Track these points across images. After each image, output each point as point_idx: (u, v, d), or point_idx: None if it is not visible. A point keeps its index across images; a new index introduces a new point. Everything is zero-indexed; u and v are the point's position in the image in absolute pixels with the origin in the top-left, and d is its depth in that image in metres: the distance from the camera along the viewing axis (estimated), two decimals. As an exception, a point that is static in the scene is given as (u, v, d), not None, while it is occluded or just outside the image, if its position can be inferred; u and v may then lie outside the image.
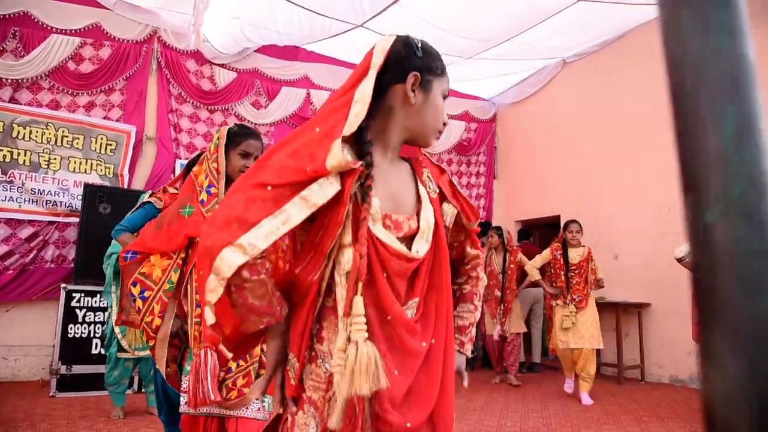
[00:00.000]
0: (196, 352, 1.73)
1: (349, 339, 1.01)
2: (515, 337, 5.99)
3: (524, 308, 6.72)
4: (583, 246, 5.20)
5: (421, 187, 1.24)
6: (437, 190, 1.28)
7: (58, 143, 5.44)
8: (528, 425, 4.14)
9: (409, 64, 1.17)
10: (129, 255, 2.01)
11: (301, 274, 1.09)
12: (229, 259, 0.96)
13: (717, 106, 0.31)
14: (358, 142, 1.11)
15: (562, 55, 7.36)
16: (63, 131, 5.46)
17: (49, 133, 5.39)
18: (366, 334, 1.01)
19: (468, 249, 1.40)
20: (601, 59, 7.14)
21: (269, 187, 1.01)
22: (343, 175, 1.05)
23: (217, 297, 0.99)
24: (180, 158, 6.04)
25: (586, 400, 4.88)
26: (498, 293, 6.00)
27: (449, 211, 1.31)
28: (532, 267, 5.33)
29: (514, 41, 6.34)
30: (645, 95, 6.49)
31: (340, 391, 0.99)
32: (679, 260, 4.30)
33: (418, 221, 1.19)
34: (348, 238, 1.06)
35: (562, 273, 5.07)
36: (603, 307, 6.57)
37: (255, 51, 6.57)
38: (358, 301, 1.02)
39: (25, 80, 5.37)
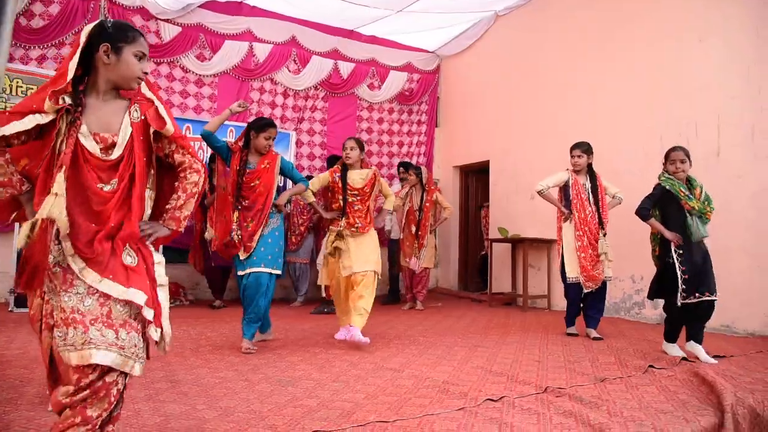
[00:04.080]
0: None
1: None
2: (424, 271, 6.70)
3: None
4: (369, 168, 4.55)
5: (126, 116, 1.90)
6: (142, 117, 1.93)
7: (14, 93, 6.06)
8: (415, 330, 4.87)
9: (101, 38, 1.86)
10: None
11: (29, 168, 1.82)
12: None
13: None
14: (76, 91, 1.83)
15: (495, 8, 7.76)
16: (17, 82, 6.07)
17: (4, 84, 6.01)
18: (62, 191, 1.71)
19: (176, 156, 2.06)
20: (531, 12, 7.54)
21: (8, 113, 1.74)
22: (58, 111, 1.77)
23: None
24: (128, 107, 6.64)
25: (359, 336, 4.04)
26: (413, 229, 6.66)
27: (150, 130, 1.98)
28: (309, 190, 4.39)
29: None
30: (569, 48, 6.94)
31: (40, 213, 1.69)
32: (539, 192, 4.89)
33: (119, 137, 1.87)
34: (64, 147, 1.77)
35: (340, 197, 4.38)
36: (517, 242, 7.24)
37: (199, 6, 7.05)
38: (60, 176, 1.72)
39: (-20, 35, 5.94)
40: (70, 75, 1.78)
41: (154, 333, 1.88)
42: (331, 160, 6.52)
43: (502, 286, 7.61)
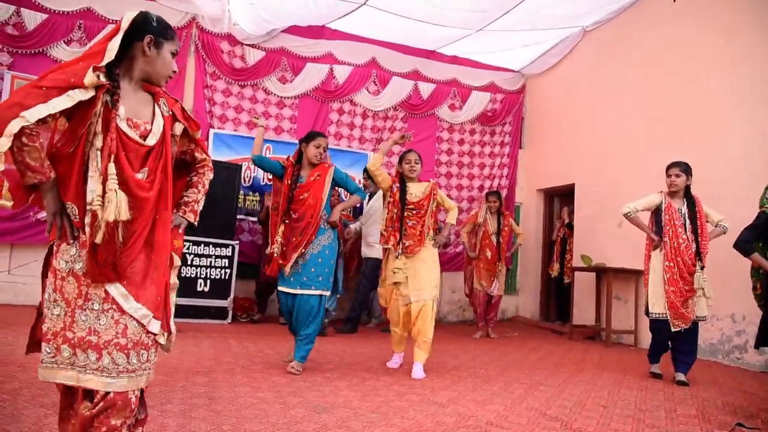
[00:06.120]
0: None
1: (105, 189, 1.69)
2: (498, 297, 6.41)
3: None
4: (428, 181, 4.35)
5: (156, 107, 1.91)
6: (170, 112, 1.95)
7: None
8: (478, 361, 4.62)
9: (146, 29, 1.85)
10: None
11: (61, 148, 1.77)
12: (15, 124, 1.61)
13: None
14: (111, 74, 1.80)
15: (582, 23, 7.36)
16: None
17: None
18: (118, 186, 1.70)
19: (197, 154, 2.10)
20: (620, 26, 7.08)
21: (44, 88, 1.67)
22: (97, 89, 1.72)
23: (5, 148, 1.62)
24: (213, 128, 7.00)
25: (418, 372, 3.97)
26: (489, 254, 6.40)
27: (179, 126, 1.98)
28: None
29: (515, 12, 6.52)
30: (662, 63, 6.42)
31: (107, 216, 1.67)
32: (626, 215, 4.45)
33: (153, 126, 1.87)
34: (99, 128, 1.75)
35: (396, 210, 4.15)
36: (601, 271, 6.71)
37: (282, 31, 7.30)
38: (112, 166, 1.71)
39: (88, 64, 6.53)
40: (112, 55, 1.74)
41: (161, 338, 1.87)
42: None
43: (585, 318, 7.07)
